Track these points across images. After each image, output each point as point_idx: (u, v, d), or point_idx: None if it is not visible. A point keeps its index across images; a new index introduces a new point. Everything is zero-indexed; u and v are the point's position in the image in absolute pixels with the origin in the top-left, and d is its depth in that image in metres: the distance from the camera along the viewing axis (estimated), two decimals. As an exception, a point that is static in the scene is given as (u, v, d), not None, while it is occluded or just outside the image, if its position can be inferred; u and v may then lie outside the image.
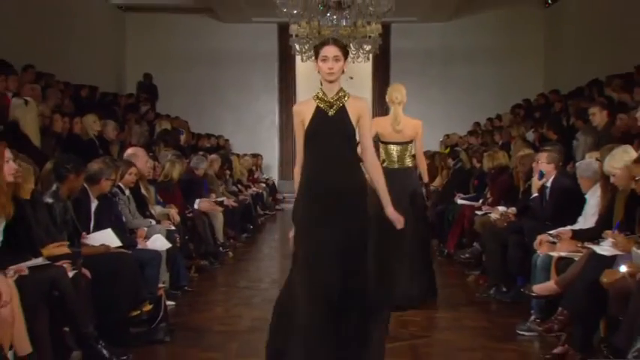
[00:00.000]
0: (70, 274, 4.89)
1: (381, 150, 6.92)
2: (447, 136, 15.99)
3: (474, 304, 7.07)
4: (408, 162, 6.92)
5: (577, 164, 6.72)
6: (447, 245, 9.68)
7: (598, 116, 8.60)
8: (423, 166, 7.13)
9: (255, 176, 16.53)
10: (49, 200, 5.47)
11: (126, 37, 18.67)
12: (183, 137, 13.01)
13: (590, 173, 6.25)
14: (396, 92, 6.83)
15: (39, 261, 4.69)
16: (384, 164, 6.72)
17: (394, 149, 6.87)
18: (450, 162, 12.02)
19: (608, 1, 14.54)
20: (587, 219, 6.11)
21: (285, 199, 17.99)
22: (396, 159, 6.88)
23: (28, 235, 4.84)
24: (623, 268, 4.74)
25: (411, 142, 6.87)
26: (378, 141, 6.80)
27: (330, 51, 4.17)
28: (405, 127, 6.81)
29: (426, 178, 7.21)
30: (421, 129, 6.88)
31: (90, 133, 9.51)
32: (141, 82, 17.21)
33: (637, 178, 5.06)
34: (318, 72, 4.27)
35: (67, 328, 4.88)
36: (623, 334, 4.24)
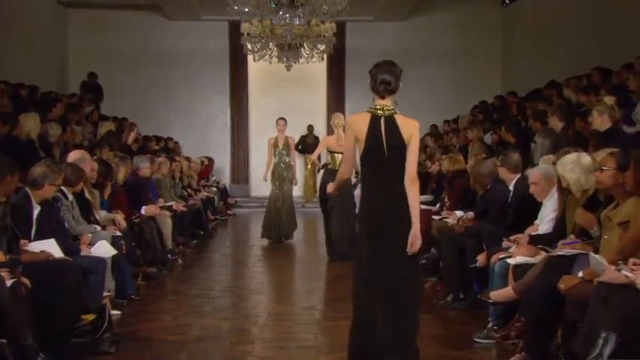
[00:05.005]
0: (8, 282, 4.81)
1: (329, 157, 10.84)
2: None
3: (431, 311, 7.07)
4: None
5: (528, 171, 6.75)
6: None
7: (552, 121, 8.77)
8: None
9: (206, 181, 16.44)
10: (-17, 205, 5.36)
11: (68, 35, 18.47)
12: (134, 134, 12.74)
13: (546, 179, 6.31)
14: (337, 119, 10.57)
15: (-27, 269, 4.61)
16: (329, 166, 10.70)
17: (338, 157, 10.23)
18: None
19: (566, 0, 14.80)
20: (544, 224, 6.19)
21: (236, 203, 17.94)
22: (338, 163, 10.12)
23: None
24: (581, 274, 4.81)
25: None
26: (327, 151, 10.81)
27: None
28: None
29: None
30: None
31: (31, 134, 9.35)
32: (84, 82, 16.94)
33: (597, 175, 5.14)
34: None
35: (4, 340, 4.78)
36: (580, 341, 4.29)
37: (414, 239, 4.74)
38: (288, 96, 18.45)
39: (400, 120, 4.68)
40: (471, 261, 6.92)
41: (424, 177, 10.95)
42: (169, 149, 16.25)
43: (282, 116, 12.42)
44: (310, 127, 19.05)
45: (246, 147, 19.38)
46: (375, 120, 4.65)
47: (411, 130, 4.67)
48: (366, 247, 4.73)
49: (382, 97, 4.69)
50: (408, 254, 4.74)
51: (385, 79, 4.67)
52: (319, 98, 19.29)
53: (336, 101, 18.86)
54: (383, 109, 4.67)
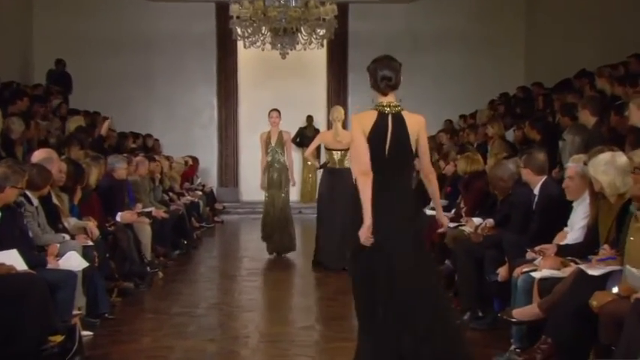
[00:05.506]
0: (-34, 299, 4.81)
1: (327, 155, 11.03)
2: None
3: (445, 331, 7.10)
4: (347, 164, 10.47)
5: (567, 164, 6.75)
6: (414, 263, 9.71)
7: (583, 115, 8.77)
8: None
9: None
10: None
11: (33, 17, 18.46)
12: (108, 124, 12.70)
13: (581, 177, 6.30)
14: (336, 113, 10.72)
15: None
16: (328, 164, 10.92)
17: (336, 154, 10.69)
18: (418, 163, 11.99)
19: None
20: (574, 231, 6.19)
21: (225, 209, 17.93)
22: (337, 161, 10.73)
23: None
24: (615, 289, 4.80)
25: (348, 148, 9.44)
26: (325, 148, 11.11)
27: None
28: (344, 137, 10.33)
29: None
30: None
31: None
32: (51, 71, 16.95)
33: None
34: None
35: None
36: (615, 365, 4.30)
37: (441, 222, 5.71)
38: (284, 87, 18.44)
39: (407, 117, 5.17)
40: (490, 274, 6.92)
41: (437, 179, 10.94)
42: (148, 147, 16.22)
43: (275, 107, 12.07)
44: (310, 118, 18.99)
45: (235, 145, 19.36)
46: (382, 118, 5.11)
47: (418, 126, 5.20)
48: (373, 251, 5.05)
49: (385, 94, 5.18)
50: (423, 252, 5.31)
51: (385, 74, 5.14)
52: (318, 90, 19.29)
53: (338, 93, 18.86)
54: (390, 106, 5.14)
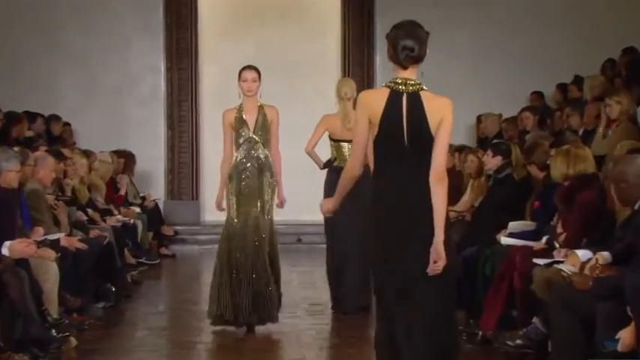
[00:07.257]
0: None
1: (332, 148, 11.69)
2: (480, 118, 16.07)
3: None
4: None
5: None
6: (482, 321, 9.74)
7: None
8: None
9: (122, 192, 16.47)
10: None
11: None
12: None
13: None
14: (346, 87, 11.36)
15: None
16: (335, 163, 11.54)
17: (346, 147, 11.14)
18: (489, 162, 11.85)
19: None
20: None
21: (177, 235, 17.87)
22: (348, 157, 10.59)
23: None
24: None
25: None
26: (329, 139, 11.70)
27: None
28: None
29: None
30: None
31: None
32: None
33: None
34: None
35: None
36: None
37: (437, 256, 6.14)
38: (272, 41, 18.52)
39: (427, 98, 6.27)
40: (605, 340, 6.96)
41: (519, 187, 10.92)
42: (54, 137, 16.29)
43: (250, 64, 10.76)
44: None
45: (194, 134, 19.37)
46: (394, 97, 6.26)
47: (441, 111, 6.24)
48: (381, 267, 6.37)
49: (404, 68, 6.30)
50: (439, 277, 6.20)
51: (407, 44, 6.25)
52: (328, 45, 19.30)
53: (361, 49, 18.74)
54: (406, 84, 6.27)
